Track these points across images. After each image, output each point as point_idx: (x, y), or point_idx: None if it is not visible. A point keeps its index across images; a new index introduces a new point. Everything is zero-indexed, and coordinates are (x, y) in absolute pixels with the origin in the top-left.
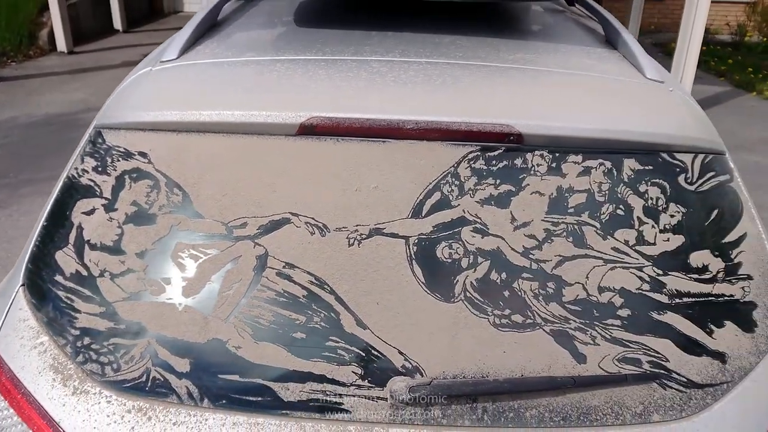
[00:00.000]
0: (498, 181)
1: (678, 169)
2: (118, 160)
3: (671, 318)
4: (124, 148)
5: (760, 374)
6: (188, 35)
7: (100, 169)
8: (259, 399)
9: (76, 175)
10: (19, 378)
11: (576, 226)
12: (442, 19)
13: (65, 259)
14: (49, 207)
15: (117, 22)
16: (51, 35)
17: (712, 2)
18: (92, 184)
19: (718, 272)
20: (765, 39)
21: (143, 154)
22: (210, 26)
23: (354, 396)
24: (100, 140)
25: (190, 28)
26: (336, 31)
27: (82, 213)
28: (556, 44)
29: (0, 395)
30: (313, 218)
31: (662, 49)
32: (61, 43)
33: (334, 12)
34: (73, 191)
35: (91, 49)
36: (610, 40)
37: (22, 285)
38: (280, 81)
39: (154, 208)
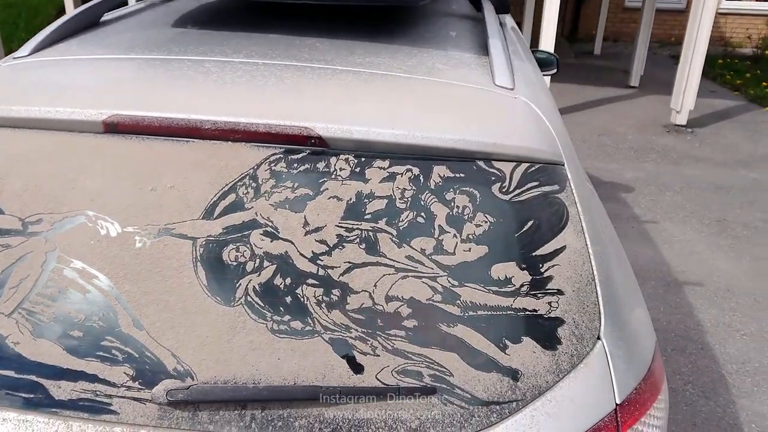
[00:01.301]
0: (296, 185)
1: (494, 178)
2: None
3: (461, 331)
4: None
5: (559, 395)
6: (47, 34)
7: None
8: (31, 396)
9: None
10: None
11: (371, 233)
12: (316, 23)
13: None
14: None
15: None
16: None
17: (732, 14)
18: None
19: (522, 286)
20: None
21: None
22: (87, 25)
23: (123, 397)
24: None
25: (52, 28)
26: (201, 33)
27: None
28: (425, 49)
29: None
30: (106, 216)
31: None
32: None
33: (204, 16)
34: None
35: None
36: (486, 46)
37: None
38: (98, 79)
39: None
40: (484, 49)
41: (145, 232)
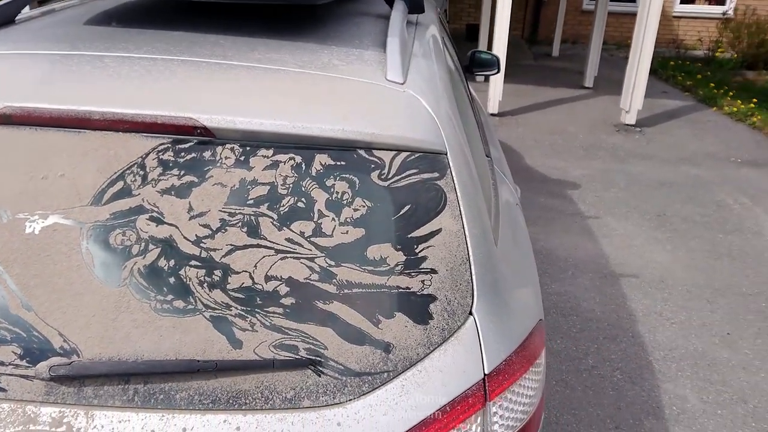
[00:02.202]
0: (182, 173)
1: (373, 166)
2: None
3: (337, 308)
4: None
5: (429, 365)
6: None
7: None
8: None
9: None
10: None
11: (253, 217)
12: (225, 21)
13: None
14: None
15: None
16: None
17: (685, 17)
18: None
19: (396, 265)
20: (736, 55)
21: None
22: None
23: (11, 375)
24: None
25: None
26: (110, 30)
27: None
28: (328, 46)
29: None
30: None
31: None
32: None
33: (115, 15)
34: None
35: None
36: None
37: None
38: (17, 70)
39: None
40: (381, 45)
41: (34, 218)
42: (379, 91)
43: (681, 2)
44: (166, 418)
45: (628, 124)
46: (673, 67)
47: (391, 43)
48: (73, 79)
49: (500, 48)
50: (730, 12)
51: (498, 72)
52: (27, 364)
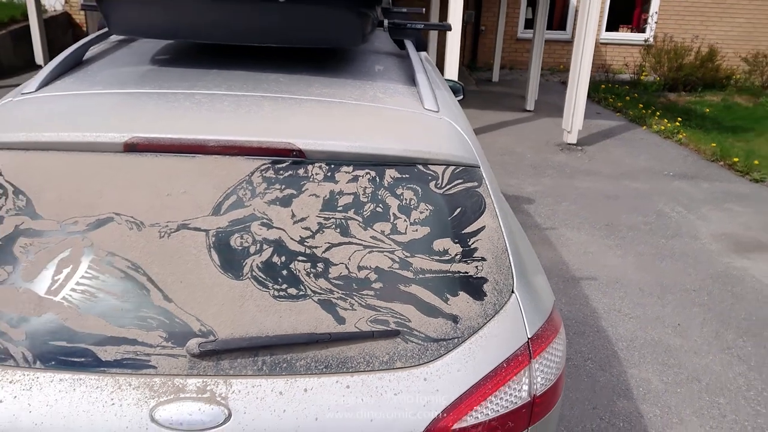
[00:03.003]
0: (283, 187)
1: (430, 177)
2: None
3: (415, 289)
4: None
5: (487, 332)
6: (48, 72)
7: None
8: (82, 360)
9: None
10: None
11: (343, 221)
12: (274, 60)
13: None
14: None
15: (39, 58)
16: None
17: (612, 44)
18: None
19: (456, 255)
20: (658, 79)
21: None
22: (74, 64)
23: (159, 354)
24: None
25: (51, 66)
26: (177, 70)
27: None
28: (365, 81)
29: None
30: (131, 216)
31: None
32: None
33: (180, 56)
34: None
35: (13, 84)
36: (413, 78)
37: None
38: (113, 108)
39: (2, 212)
40: (411, 81)
41: (166, 228)
42: (422, 118)
43: (606, 30)
44: (290, 381)
45: (570, 144)
46: (603, 90)
47: (420, 79)
48: (180, 114)
49: (452, 75)
50: (651, 39)
51: (463, 98)
52: (172, 345)
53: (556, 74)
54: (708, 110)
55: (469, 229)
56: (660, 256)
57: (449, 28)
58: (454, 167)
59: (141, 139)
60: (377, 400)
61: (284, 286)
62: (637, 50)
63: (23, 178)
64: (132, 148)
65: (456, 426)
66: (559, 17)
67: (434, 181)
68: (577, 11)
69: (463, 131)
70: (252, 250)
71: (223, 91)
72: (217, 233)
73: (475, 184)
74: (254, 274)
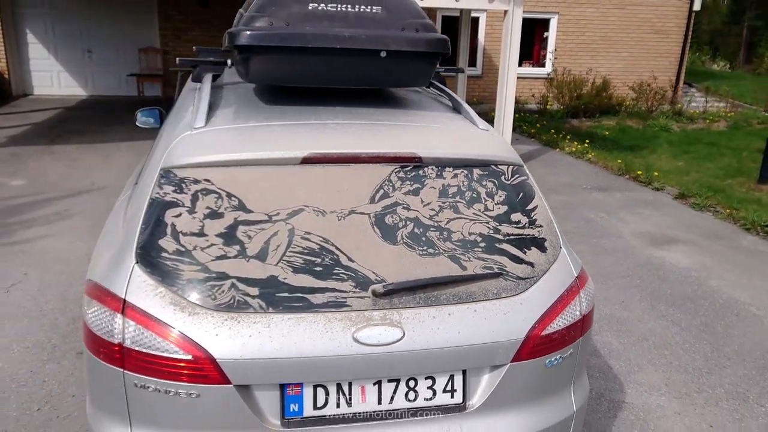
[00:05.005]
0: (412, 182)
1: (500, 173)
2: (190, 185)
3: (506, 246)
4: (193, 178)
5: (552, 272)
6: (204, 111)
7: (177, 191)
8: (300, 305)
9: (158, 197)
10: (150, 312)
11: (453, 203)
12: (357, 99)
13: (168, 243)
14: (141, 217)
15: None
16: None
17: (519, 78)
18: (175, 199)
19: (525, 224)
20: (562, 107)
21: (207, 180)
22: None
23: (352, 297)
24: (171, 175)
25: (204, 108)
26: (292, 108)
27: (173, 217)
28: (427, 111)
29: (141, 325)
30: (317, 207)
31: (485, 117)
32: None
33: (280, 95)
34: (160, 205)
35: None
36: (455, 108)
37: (136, 263)
38: (281, 135)
39: (221, 209)
40: (454, 110)
41: (342, 213)
42: (481, 134)
43: None
44: (439, 309)
45: None
46: (517, 118)
47: (464, 106)
48: (329, 137)
49: None
50: (552, 73)
51: None
52: (359, 290)
53: (474, 106)
54: (607, 133)
55: (529, 207)
56: (596, 252)
57: (462, 71)
58: (512, 166)
59: (315, 155)
60: (494, 317)
61: (425, 247)
62: (541, 83)
63: (231, 186)
64: (307, 161)
65: (543, 333)
66: (471, 56)
67: (503, 176)
68: (485, 50)
69: (505, 141)
70: (400, 225)
71: (341, 121)
72: (375, 215)
73: (526, 177)
74: (404, 240)
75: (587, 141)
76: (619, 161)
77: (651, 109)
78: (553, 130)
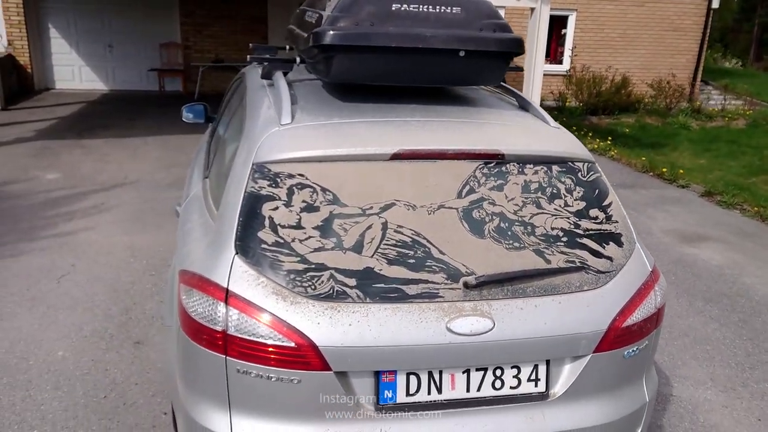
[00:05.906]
0: (496, 178)
1: (577, 170)
2: (285, 179)
3: (586, 241)
4: (288, 173)
5: (630, 265)
6: (288, 108)
7: (272, 185)
8: (395, 295)
9: (254, 191)
10: (253, 301)
11: (535, 198)
12: (427, 97)
13: (266, 235)
14: (238, 211)
15: None
16: None
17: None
18: (271, 193)
19: (603, 219)
20: (580, 104)
21: (301, 175)
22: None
23: (444, 288)
24: (265, 170)
25: (288, 105)
26: (369, 105)
27: (270, 210)
28: (497, 109)
29: (244, 313)
30: (407, 201)
31: None
32: None
33: (353, 91)
34: (256, 199)
35: None
36: (523, 107)
37: (236, 254)
38: (369, 131)
39: (317, 203)
40: (521, 108)
41: (431, 207)
42: (554, 131)
43: None
44: (526, 301)
45: None
46: None
47: (532, 104)
48: (416, 133)
49: None
50: (570, 70)
51: None
52: (451, 282)
53: None
54: (627, 130)
55: (605, 203)
56: None
57: (521, 69)
58: (587, 163)
59: (405, 151)
60: (578, 309)
61: (511, 241)
62: (558, 80)
63: (325, 180)
64: (397, 156)
65: (623, 325)
66: None
67: (580, 173)
68: None
69: (575, 138)
70: (486, 219)
71: (424, 118)
72: (463, 210)
73: (599, 174)
74: (491, 234)
75: (609, 138)
76: (643, 158)
77: (670, 107)
78: (574, 127)
